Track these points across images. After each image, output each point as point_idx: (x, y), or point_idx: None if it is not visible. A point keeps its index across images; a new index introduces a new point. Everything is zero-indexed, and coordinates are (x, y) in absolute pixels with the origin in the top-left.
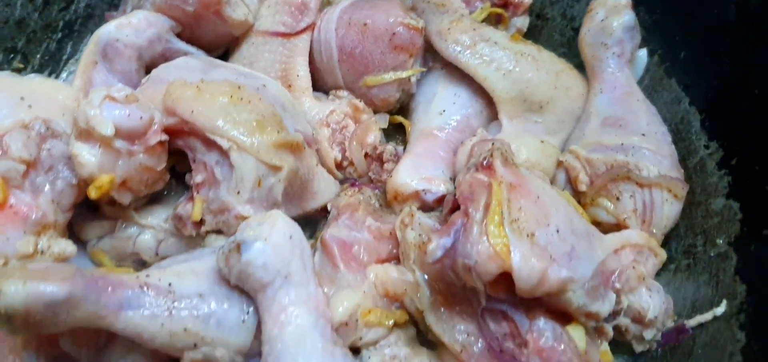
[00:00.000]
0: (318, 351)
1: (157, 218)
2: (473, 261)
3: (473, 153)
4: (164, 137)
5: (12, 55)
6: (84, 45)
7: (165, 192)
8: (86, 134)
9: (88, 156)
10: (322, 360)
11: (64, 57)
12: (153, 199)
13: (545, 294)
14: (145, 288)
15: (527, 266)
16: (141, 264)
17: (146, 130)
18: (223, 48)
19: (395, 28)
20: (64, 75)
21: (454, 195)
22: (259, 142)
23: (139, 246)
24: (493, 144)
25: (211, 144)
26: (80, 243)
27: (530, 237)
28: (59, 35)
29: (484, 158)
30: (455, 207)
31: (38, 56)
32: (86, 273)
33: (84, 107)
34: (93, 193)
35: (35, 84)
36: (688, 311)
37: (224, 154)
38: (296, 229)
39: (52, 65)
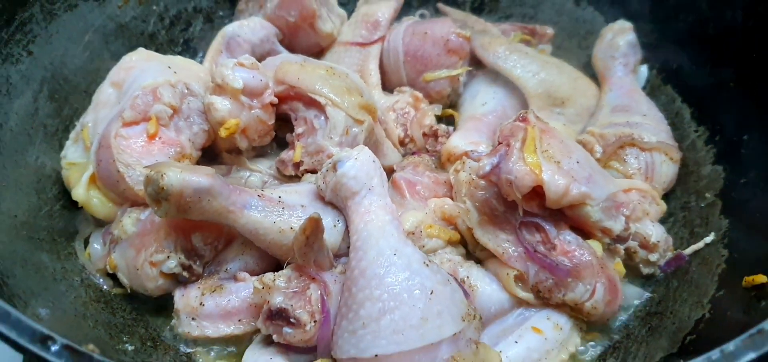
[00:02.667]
0: (394, 236)
1: (263, 166)
2: (513, 177)
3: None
4: (275, 100)
5: None
6: (198, 58)
7: (269, 151)
8: (220, 89)
9: (221, 104)
10: (397, 241)
11: None
12: (259, 154)
13: (569, 205)
14: (262, 197)
15: (554, 181)
16: None
17: (263, 91)
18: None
19: (449, 36)
20: None
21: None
22: (348, 101)
23: (248, 185)
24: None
25: (310, 103)
26: None
27: (557, 163)
28: (179, 49)
29: (520, 114)
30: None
31: None
32: (221, 178)
33: (220, 68)
34: (223, 133)
35: (177, 59)
36: (685, 246)
37: (321, 109)
38: (377, 159)
39: None
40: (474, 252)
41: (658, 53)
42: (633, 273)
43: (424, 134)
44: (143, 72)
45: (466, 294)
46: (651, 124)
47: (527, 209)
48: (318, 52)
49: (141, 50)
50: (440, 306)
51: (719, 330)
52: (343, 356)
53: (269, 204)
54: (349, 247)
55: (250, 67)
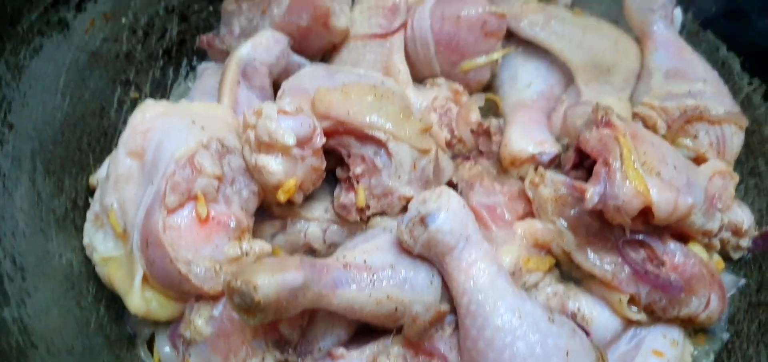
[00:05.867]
0: (510, 291)
1: (319, 210)
2: (621, 201)
3: (568, 116)
4: (325, 139)
5: (127, 87)
6: (183, 68)
7: (318, 188)
8: (268, 146)
9: (274, 165)
10: (514, 296)
11: (169, 82)
12: (309, 195)
13: (676, 220)
14: (348, 268)
15: (663, 198)
16: (311, 253)
17: (313, 135)
18: (322, 54)
19: (486, 18)
20: (173, 98)
21: (574, 153)
22: (409, 130)
23: (309, 237)
24: (597, 105)
25: (366, 138)
26: None
27: (658, 176)
28: (161, 63)
29: (601, 116)
30: (577, 163)
31: (148, 84)
32: (306, 260)
33: (264, 122)
34: (282, 197)
35: (196, 107)
36: (766, 220)
37: (381, 144)
38: (463, 200)
39: (161, 90)
40: (570, 273)
41: None
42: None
43: (473, 131)
44: (167, 135)
45: (585, 332)
46: (713, 91)
47: (631, 228)
48: (330, 49)
49: (149, 102)
50: None
51: None
52: None
53: (358, 273)
54: (450, 302)
55: (295, 112)
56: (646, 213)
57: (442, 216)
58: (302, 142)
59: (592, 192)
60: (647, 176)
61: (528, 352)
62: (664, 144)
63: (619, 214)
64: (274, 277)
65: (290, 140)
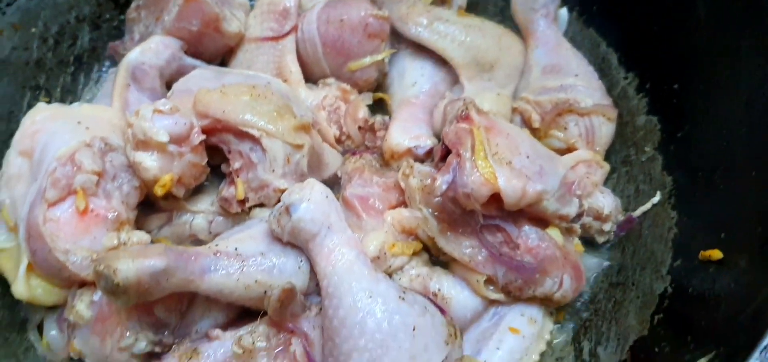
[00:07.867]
0: (365, 275)
1: (205, 203)
2: (470, 189)
3: (446, 112)
4: (203, 137)
5: (37, 92)
6: (94, 73)
7: (206, 182)
8: (144, 144)
9: (149, 162)
10: (369, 280)
11: (80, 87)
12: (197, 189)
13: (526, 205)
14: (218, 255)
15: (511, 185)
16: (198, 243)
17: (190, 132)
18: (220, 57)
19: (367, 20)
20: (83, 101)
21: (441, 146)
22: (282, 127)
23: (194, 229)
24: (464, 100)
25: (242, 135)
26: None
27: (509, 165)
28: (72, 69)
29: (461, 111)
30: (445, 155)
31: (58, 89)
32: (173, 248)
33: (139, 122)
34: (158, 191)
35: (84, 110)
36: (633, 205)
37: (256, 141)
38: (328, 190)
39: (71, 96)
40: (437, 256)
41: None
42: (588, 241)
43: (360, 128)
44: (53, 135)
45: (442, 310)
46: (584, 85)
47: (486, 213)
48: (227, 51)
49: (41, 106)
50: (425, 338)
51: (686, 308)
52: None
53: (228, 260)
54: (317, 285)
55: (169, 112)
56: (498, 200)
57: (303, 206)
58: (178, 140)
59: (441, 181)
60: (497, 166)
61: (375, 328)
62: (522, 136)
63: (469, 201)
64: (134, 263)
65: (163, 138)
